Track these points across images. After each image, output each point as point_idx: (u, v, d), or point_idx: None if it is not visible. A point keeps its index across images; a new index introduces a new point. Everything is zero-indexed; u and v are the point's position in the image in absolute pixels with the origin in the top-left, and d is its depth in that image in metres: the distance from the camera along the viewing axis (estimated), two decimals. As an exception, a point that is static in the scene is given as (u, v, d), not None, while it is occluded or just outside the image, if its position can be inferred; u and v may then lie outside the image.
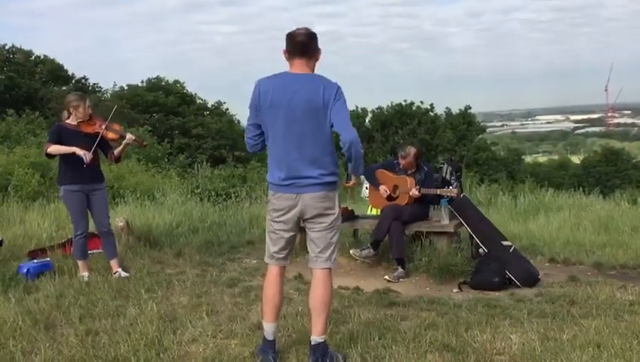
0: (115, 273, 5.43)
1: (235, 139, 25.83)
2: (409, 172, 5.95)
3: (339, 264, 6.15)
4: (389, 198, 5.97)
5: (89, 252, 5.99)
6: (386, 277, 5.53)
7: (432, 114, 32.17)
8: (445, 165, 6.37)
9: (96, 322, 4.13)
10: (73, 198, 5.26)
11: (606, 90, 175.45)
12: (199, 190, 9.99)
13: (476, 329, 3.85)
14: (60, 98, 17.87)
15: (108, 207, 5.62)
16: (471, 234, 5.80)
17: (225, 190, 10.34)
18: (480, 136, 33.21)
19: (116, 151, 5.53)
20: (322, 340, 3.36)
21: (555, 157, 70.30)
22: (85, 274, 5.36)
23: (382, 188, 5.98)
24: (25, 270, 5.25)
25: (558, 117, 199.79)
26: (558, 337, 3.66)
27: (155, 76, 31.57)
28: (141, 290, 4.90)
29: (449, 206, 5.84)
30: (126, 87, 31.23)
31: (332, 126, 3.24)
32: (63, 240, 6.32)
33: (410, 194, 5.76)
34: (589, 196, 11.05)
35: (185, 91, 31.14)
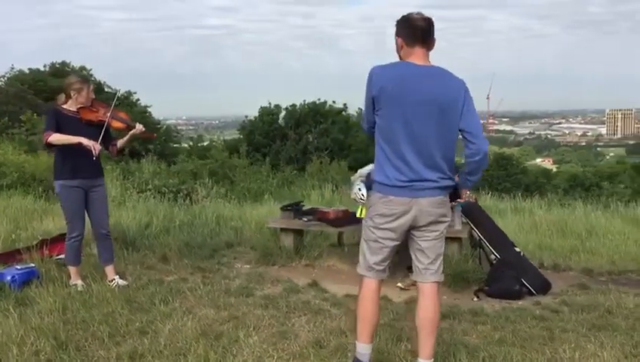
0: (111, 281, 4.85)
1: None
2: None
3: (339, 270, 5.94)
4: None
5: (57, 257, 5.36)
6: (399, 284, 5.33)
7: (344, 113, 32.54)
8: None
9: (130, 341, 3.63)
10: (71, 195, 4.62)
11: (487, 98, 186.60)
12: (149, 186, 9.28)
13: (553, 345, 3.68)
14: None
15: (108, 206, 5.00)
16: (481, 239, 5.73)
17: (175, 186, 9.69)
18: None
19: (120, 143, 4.93)
20: None
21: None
22: (78, 282, 4.75)
23: None
24: (9, 278, 4.54)
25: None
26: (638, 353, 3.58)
27: (59, 61, 29.32)
28: (155, 301, 4.40)
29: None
30: (27, 71, 28.69)
31: (460, 129, 2.97)
32: (35, 242, 5.57)
33: None
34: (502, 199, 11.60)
35: (92, 79, 29.08)
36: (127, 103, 28.56)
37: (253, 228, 7.74)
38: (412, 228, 3.06)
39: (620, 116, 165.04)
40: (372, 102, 2.96)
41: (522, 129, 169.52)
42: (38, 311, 4.03)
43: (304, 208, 6.44)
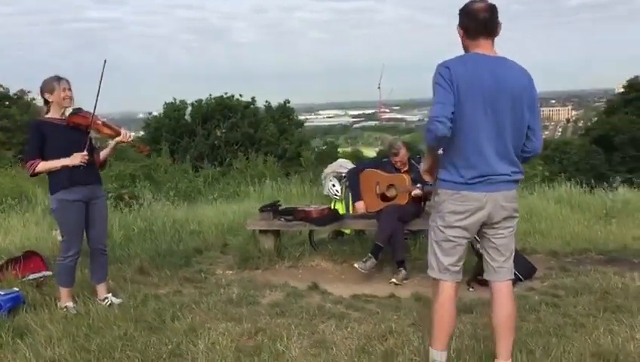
0: (103, 300, 4.46)
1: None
2: (402, 170, 5.80)
3: (324, 269, 5.85)
4: (384, 198, 5.77)
5: (32, 276, 4.92)
6: (393, 280, 5.31)
7: (253, 107, 32.06)
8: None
9: (167, 366, 3.36)
10: (71, 211, 4.20)
11: (379, 87, 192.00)
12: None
13: (585, 331, 3.74)
14: None
15: (107, 220, 4.60)
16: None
17: (116, 191, 9.08)
18: (299, 130, 33.99)
19: (103, 154, 4.53)
20: None
21: (348, 149, 74.82)
22: (69, 304, 4.33)
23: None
24: (-7, 305, 4.04)
25: (338, 112, 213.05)
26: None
27: None
28: (164, 319, 4.11)
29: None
30: None
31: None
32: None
33: (413, 194, 5.61)
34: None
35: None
36: (21, 104, 26.51)
37: (214, 231, 7.49)
38: (484, 225, 2.99)
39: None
40: (449, 99, 2.80)
41: (412, 116, 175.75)
42: (44, 341, 3.63)
43: (280, 208, 6.27)
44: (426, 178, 3.22)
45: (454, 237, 2.97)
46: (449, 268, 3.02)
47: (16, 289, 4.36)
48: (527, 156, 3.04)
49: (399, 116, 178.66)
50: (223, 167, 19.45)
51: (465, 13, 2.94)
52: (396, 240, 5.43)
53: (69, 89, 4.30)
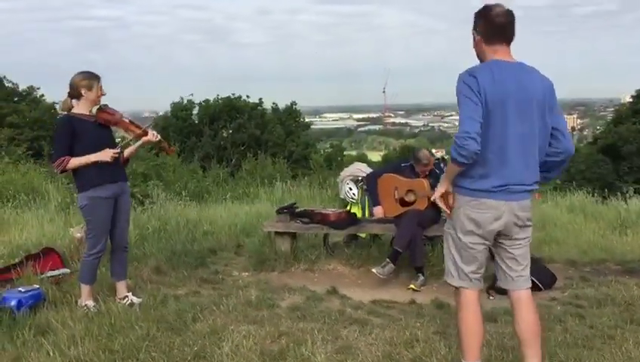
0: (123, 299, 4.43)
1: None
2: (422, 175, 5.76)
3: (340, 273, 5.81)
4: (402, 203, 5.72)
5: (50, 273, 4.90)
6: (412, 286, 5.26)
7: (260, 108, 32.05)
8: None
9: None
10: (102, 207, 4.19)
11: (384, 92, 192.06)
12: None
13: (616, 343, 3.70)
14: None
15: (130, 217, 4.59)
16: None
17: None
18: (305, 132, 33.97)
19: (127, 152, 4.50)
20: None
21: (353, 152, 74.77)
22: (89, 302, 4.30)
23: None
24: (13, 302, 4.01)
25: (343, 115, 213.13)
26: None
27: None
28: (185, 320, 4.08)
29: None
30: None
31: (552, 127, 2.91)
32: (18, 259, 5.02)
33: (432, 199, 5.54)
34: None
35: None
36: (30, 100, 26.53)
37: (227, 231, 7.46)
38: (500, 234, 2.96)
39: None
40: (478, 113, 2.76)
41: (416, 121, 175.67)
42: (67, 340, 3.60)
43: (297, 210, 6.24)
44: (441, 204, 3.09)
45: (473, 244, 2.95)
46: (470, 275, 2.99)
47: (37, 286, 4.33)
48: (561, 159, 3.00)
49: (404, 121, 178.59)
50: (230, 167, 19.43)
51: (482, 18, 2.89)
52: (415, 246, 5.38)
53: (101, 87, 4.30)
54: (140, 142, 4.45)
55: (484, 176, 2.85)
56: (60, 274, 4.93)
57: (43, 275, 4.82)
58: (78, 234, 5.47)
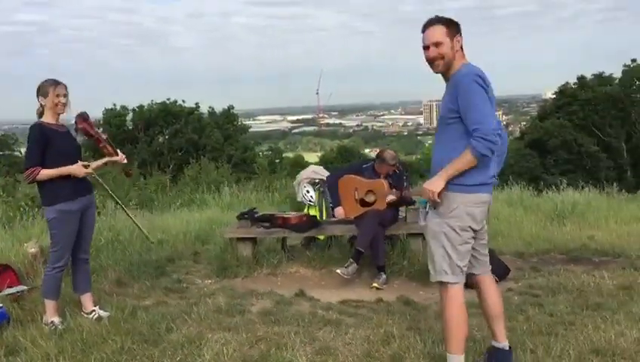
0: (90, 313, 4.33)
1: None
2: (382, 176, 5.88)
3: (303, 276, 5.86)
4: (363, 204, 5.83)
5: (7, 291, 4.76)
6: (375, 284, 5.37)
7: (197, 113, 31.59)
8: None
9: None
10: (70, 221, 4.08)
11: (317, 93, 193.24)
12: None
13: (577, 329, 3.89)
14: None
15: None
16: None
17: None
18: (243, 136, 33.72)
19: (94, 165, 4.39)
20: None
21: (290, 155, 74.73)
22: (56, 319, 4.17)
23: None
24: (-23, 323, 3.85)
25: (277, 117, 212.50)
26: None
27: None
28: (159, 331, 4.04)
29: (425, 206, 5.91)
30: None
31: None
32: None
33: (388, 200, 5.66)
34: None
35: None
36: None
37: (183, 239, 7.37)
38: None
39: (435, 106, 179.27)
40: (493, 110, 3.00)
41: (350, 121, 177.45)
42: (42, 359, 3.51)
43: (257, 215, 6.25)
44: (434, 198, 3.07)
45: (469, 238, 3.10)
46: (463, 269, 3.12)
47: (0, 304, 4.17)
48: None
49: (338, 121, 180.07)
50: (169, 173, 19.11)
51: (458, 25, 3.10)
52: (377, 245, 5.51)
53: (65, 95, 4.13)
54: (106, 160, 4.38)
55: (482, 172, 3.03)
56: (17, 292, 4.75)
57: (1, 293, 4.64)
58: (33, 250, 5.28)
